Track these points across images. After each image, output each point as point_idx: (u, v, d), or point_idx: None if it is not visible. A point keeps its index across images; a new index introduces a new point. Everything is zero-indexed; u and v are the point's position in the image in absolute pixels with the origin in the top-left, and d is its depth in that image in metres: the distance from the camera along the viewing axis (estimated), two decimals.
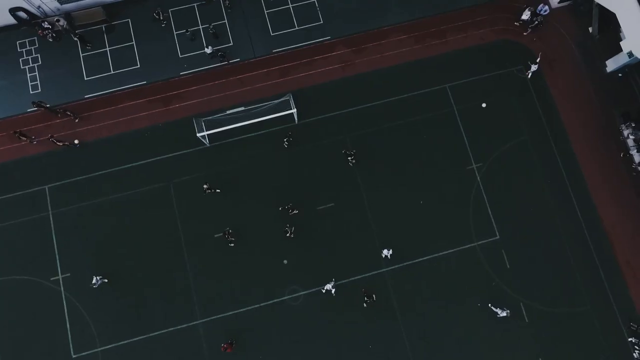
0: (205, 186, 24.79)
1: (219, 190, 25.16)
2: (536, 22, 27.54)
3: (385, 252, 24.44)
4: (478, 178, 25.98)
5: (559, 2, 28.31)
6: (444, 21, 28.25)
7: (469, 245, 25.09)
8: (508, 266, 24.86)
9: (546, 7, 27.83)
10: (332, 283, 23.83)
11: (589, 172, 26.07)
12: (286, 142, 25.77)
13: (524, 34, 27.97)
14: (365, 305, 23.88)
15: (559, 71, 27.58)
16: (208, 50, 26.69)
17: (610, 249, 25.08)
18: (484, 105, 26.67)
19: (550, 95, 27.21)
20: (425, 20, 28.26)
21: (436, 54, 27.71)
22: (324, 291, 23.94)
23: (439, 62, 27.53)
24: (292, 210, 24.70)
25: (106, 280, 24.05)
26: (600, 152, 26.37)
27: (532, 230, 25.25)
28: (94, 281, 23.67)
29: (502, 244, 25.10)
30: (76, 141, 25.97)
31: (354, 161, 25.40)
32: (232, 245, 24.64)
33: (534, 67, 26.57)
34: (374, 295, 23.84)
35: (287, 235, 24.41)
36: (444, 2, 28.50)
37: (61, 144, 25.62)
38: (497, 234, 25.21)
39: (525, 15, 27.57)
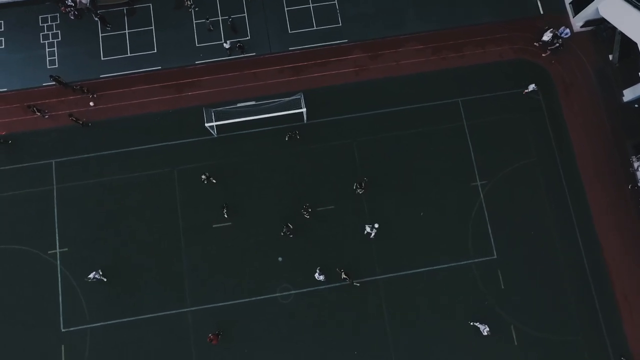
0: (203, 176, 24.98)
1: (214, 181, 25.30)
2: (556, 44, 27.27)
3: (368, 228, 24.37)
4: (481, 195, 25.79)
5: (581, 27, 28.01)
6: (463, 35, 28.10)
7: (465, 262, 24.91)
8: (502, 287, 24.63)
9: (567, 31, 27.54)
10: (318, 272, 23.83)
11: (595, 200, 25.73)
12: (288, 138, 25.84)
13: (543, 55, 27.70)
14: (342, 278, 23.93)
15: (575, 96, 27.27)
16: (226, 45, 26.85)
17: (609, 281, 24.72)
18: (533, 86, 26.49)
19: (563, 119, 26.91)
20: (444, 32, 28.14)
21: (452, 67, 27.57)
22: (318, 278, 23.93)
23: (454, 76, 27.39)
24: (307, 209, 24.75)
25: (104, 279, 24.07)
26: (608, 182, 26.00)
27: (531, 254, 24.99)
28: (90, 276, 23.63)
29: (498, 264, 24.88)
30: (91, 103, 26.37)
31: (361, 191, 25.27)
32: (226, 217, 24.80)
33: (532, 87, 26.44)
34: (350, 276, 23.92)
35: (284, 233, 24.50)
36: (465, 16, 28.38)
37: (81, 122, 26.03)
38: (495, 254, 24.99)
39: (546, 37, 27.30)
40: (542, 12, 28.60)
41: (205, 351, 23.57)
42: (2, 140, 25.72)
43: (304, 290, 24.47)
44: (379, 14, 28.23)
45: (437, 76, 27.39)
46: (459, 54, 27.82)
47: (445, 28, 28.19)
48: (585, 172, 26.12)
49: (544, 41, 27.50)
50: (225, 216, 24.75)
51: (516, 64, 27.70)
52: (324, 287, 24.39)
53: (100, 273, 23.88)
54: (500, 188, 25.85)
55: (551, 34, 27.22)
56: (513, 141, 26.52)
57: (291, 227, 24.47)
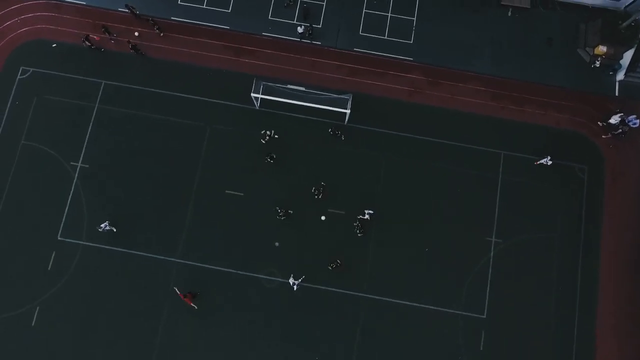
0: (268, 133, 25.48)
1: (277, 136, 25.73)
2: (620, 130, 26.13)
3: (367, 214, 24.47)
4: (492, 252, 25.08)
5: None
6: (529, 90, 27.32)
7: (453, 311, 24.35)
8: (481, 348, 23.92)
9: (637, 121, 26.29)
10: (292, 279, 23.72)
11: (605, 298, 24.57)
12: (331, 132, 26.02)
13: (603, 136, 26.60)
14: (330, 268, 24.03)
15: (621, 187, 26.05)
16: (300, 30, 27.07)
17: None
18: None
19: (601, 206, 25.79)
20: (511, 81, 27.44)
21: (506, 118, 26.88)
22: (291, 284, 23.84)
23: (505, 127, 26.71)
24: (319, 190, 24.89)
25: (114, 229, 24.59)
26: (625, 285, 24.77)
27: (521, 328, 24.14)
28: (102, 225, 24.20)
29: (485, 325, 24.16)
30: (136, 33, 27.15)
31: (361, 233, 24.90)
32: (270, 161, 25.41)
33: (547, 160, 25.39)
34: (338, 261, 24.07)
35: (279, 216, 24.77)
36: (538, 73, 27.58)
37: (140, 52, 26.97)
38: (485, 314, 24.29)
39: (614, 120, 26.21)
40: (617, 94, 27.47)
41: (176, 305, 24.01)
42: (89, 43, 26.68)
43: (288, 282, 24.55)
44: (452, 43, 27.81)
45: (488, 122, 26.77)
46: (518, 107, 27.08)
47: (513, 78, 27.49)
48: (606, 267, 24.95)
49: (609, 123, 26.40)
50: (271, 161, 25.34)
51: (572, 136, 26.71)
52: (308, 284, 24.39)
53: (108, 224, 24.37)
54: (513, 252, 25.06)
55: (619, 119, 26.10)
56: (542, 211, 25.63)
57: (290, 212, 24.68)
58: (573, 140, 26.62)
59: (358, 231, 24.69)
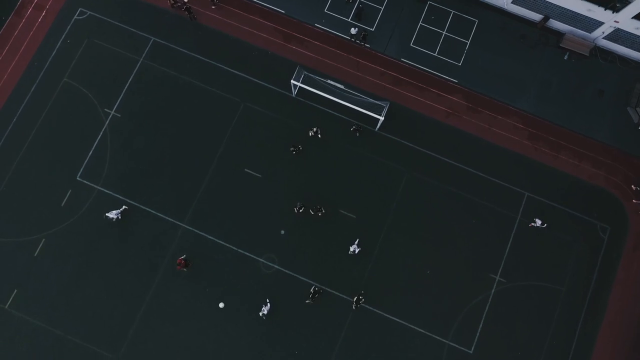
0: (312, 131, 25.73)
1: (320, 136, 25.91)
2: None
3: (353, 247, 24.26)
4: (493, 290, 24.63)
5: None
6: (568, 138, 26.70)
7: (441, 339, 24.02)
8: None
9: None
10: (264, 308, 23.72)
11: None
12: (352, 129, 26.09)
13: (634, 201, 25.77)
14: (309, 299, 23.94)
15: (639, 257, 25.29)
16: (353, 31, 27.04)
17: None
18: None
19: (615, 271, 25.03)
20: (552, 125, 26.85)
21: (538, 160, 26.35)
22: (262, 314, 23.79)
23: (535, 169, 26.19)
24: (318, 209, 24.95)
25: (120, 217, 24.80)
26: (621, 355, 23.98)
27: None
28: (111, 216, 24.48)
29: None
30: (213, 7, 27.48)
31: (357, 306, 24.16)
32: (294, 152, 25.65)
33: (537, 222, 24.81)
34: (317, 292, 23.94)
35: (302, 211, 24.87)
36: (582, 123, 26.89)
37: (192, 17, 27.40)
38: (472, 349, 23.89)
39: None
40: None
41: (171, 269, 24.42)
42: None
43: (286, 271, 24.64)
44: (501, 74, 27.36)
45: (519, 160, 26.28)
46: (553, 152, 26.48)
47: (555, 122, 26.88)
48: (605, 332, 24.24)
49: None
50: (294, 152, 25.56)
51: (601, 193, 25.98)
52: (306, 278, 24.45)
53: (119, 212, 24.70)
54: (514, 295, 24.56)
55: None
56: (554, 261, 25.03)
57: (301, 208, 24.80)
58: (602, 198, 25.89)
59: (354, 306, 24.04)
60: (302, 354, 23.73)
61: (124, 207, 24.88)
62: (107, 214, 24.62)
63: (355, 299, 23.79)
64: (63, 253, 24.58)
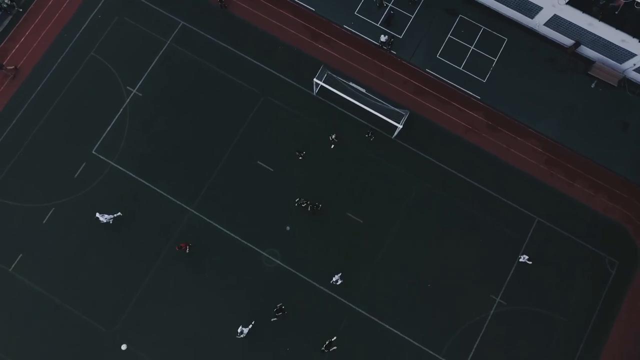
0: (333, 136, 25.68)
1: (337, 140, 25.84)
2: None
3: (335, 277, 24.03)
4: (491, 312, 24.35)
5: None
6: (586, 168, 26.29)
7: (433, 354, 23.82)
8: None
9: None
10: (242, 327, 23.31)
11: None
12: (367, 134, 26.04)
13: None
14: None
15: None
16: (383, 38, 26.93)
17: None
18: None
19: (619, 307, 24.56)
20: (571, 152, 26.46)
21: (553, 186, 25.98)
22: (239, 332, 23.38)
23: (549, 195, 25.84)
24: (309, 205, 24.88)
25: (111, 222, 24.70)
26: None
27: None
28: (102, 219, 24.34)
29: None
30: None
31: (327, 351, 23.54)
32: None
33: (524, 258, 24.45)
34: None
35: (304, 206, 24.87)
36: (603, 154, 26.44)
37: (219, 1, 27.49)
38: None
39: None
40: None
41: (172, 252, 24.57)
42: None
43: (287, 267, 24.65)
44: (525, 95, 27.02)
45: (534, 184, 25.94)
46: (569, 180, 26.10)
47: (574, 149, 26.48)
48: None
49: None
50: (300, 158, 25.61)
51: (614, 227, 25.53)
52: (306, 277, 24.44)
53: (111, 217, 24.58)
54: (513, 319, 24.25)
55: None
56: (557, 290, 24.65)
57: (305, 204, 24.78)
58: (614, 232, 25.43)
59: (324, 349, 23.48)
60: (292, 353, 23.73)
61: (118, 213, 24.79)
62: (97, 216, 24.44)
63: (327, 342, 23.25)
64: (70, 224, 24.88)
